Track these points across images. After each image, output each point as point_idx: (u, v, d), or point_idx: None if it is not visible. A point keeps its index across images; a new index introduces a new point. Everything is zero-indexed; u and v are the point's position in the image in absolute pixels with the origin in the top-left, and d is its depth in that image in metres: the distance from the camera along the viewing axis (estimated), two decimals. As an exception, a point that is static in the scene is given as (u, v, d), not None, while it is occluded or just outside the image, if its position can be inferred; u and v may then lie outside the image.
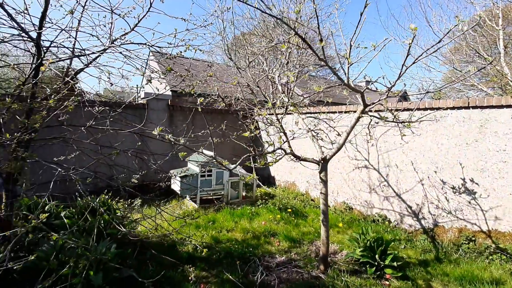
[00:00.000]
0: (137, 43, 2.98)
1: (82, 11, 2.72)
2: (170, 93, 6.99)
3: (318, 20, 1.70)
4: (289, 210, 4.85)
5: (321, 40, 1.72)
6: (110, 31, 2.80)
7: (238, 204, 5.18)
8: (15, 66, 2.12)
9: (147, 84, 2.27)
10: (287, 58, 3.66)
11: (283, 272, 3.06)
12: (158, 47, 2.98)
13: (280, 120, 2.70)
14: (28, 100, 2.31)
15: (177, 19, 3.70)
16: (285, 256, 3.42)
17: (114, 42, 2.79)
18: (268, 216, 4.59)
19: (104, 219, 2.92)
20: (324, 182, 2.82)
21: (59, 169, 2.07)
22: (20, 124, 1.93)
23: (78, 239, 2.39)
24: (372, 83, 1.88)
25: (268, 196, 5.77)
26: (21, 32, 2.30)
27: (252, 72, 3.96)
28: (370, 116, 2.43)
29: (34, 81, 2.19)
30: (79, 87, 2.33)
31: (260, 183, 6.56)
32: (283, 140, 2.43)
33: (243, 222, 4.36)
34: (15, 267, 1.45)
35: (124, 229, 2.28)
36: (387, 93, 2.08)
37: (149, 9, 2.89)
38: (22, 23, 2.40)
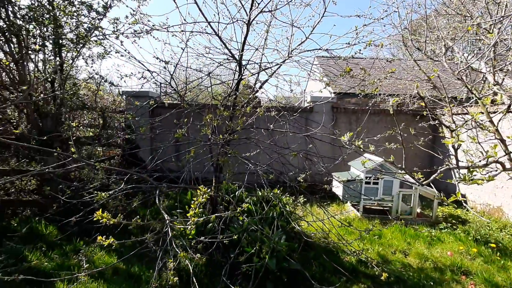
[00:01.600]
0: (311, 50, 3.11)
1: (268, 30, 3.16)
2: (333, 95, 6.98)
3: None
4: (492, 245, 3.53)
5: None
6: (289, 43, 3.09)
7: (410, 221, 4.36)
8: (225, 82, 2.76)
9: (325, 88, 2.30)
10: (496, 38, 2.49)
11: (487, 331, 2.23)
12: (331, 50, 2.97)
13: (495, 123, 1.95)
14: (231, 108, 2.96)
15: (350, 17, 3.56)
16: (489, 309, 2.49)
17: (292, 52, 3.06)
18: (457, 247, 3.54)
19: (277, 211, 3.28)
20: None
21: (250, 164, 2.50)
22: (228, 127, 2.50)
23: (256, 224, 2.80)
24: None
25: (455, 220, 4.49)
26: (229, 56, 2.99)
27: (445, 62, 3.11)
28: None
29: (236, 94, 2.78)
30: (266, 96, 2.73)
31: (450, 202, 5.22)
32: (504, 150, 1.72)
33: (418, 246, 3.60)
34: (225, 241, 1.88)
35: (297, 226, 2.43)
36: None
37: (323, 14, 2.93)
38: (230, 48, 3.11)
